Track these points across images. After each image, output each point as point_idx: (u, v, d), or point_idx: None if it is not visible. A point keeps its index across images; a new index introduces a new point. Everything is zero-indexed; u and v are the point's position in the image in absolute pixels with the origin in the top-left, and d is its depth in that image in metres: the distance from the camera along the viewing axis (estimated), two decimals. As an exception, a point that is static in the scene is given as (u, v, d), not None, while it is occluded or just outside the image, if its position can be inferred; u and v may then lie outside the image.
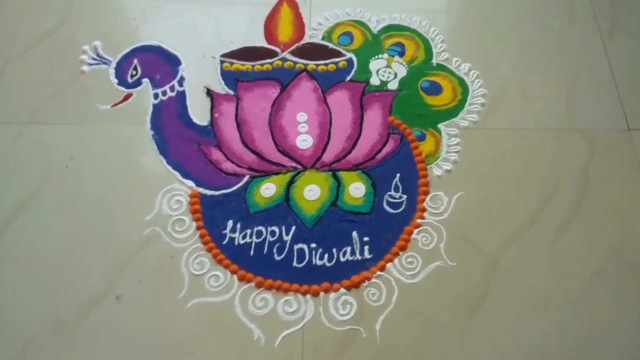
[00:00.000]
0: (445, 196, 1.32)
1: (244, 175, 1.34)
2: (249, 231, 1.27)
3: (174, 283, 1.21)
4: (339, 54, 1.53)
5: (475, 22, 1.61)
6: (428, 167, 1.36)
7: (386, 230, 1.27)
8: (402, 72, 1.50)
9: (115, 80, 1.47)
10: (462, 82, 1.49)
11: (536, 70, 1.51)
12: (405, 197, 1.31)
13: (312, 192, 1.32)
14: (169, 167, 1.35)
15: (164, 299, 1.19)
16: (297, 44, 1.55)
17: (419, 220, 1.28)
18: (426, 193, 1.32)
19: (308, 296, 1.20)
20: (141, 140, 1.39)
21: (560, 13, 1.61)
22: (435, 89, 1.48)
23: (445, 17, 1.63)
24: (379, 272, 1.22)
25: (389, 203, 1.31)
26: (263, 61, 1.51)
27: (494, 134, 1.41)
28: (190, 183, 1.33)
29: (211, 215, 1.28)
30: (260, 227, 1.27)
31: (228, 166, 1.35)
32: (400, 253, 1.25)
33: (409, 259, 1.24)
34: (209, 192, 1.31)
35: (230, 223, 1.27)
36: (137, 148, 1.38)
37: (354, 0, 1.64)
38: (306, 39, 1.56)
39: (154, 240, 1.25)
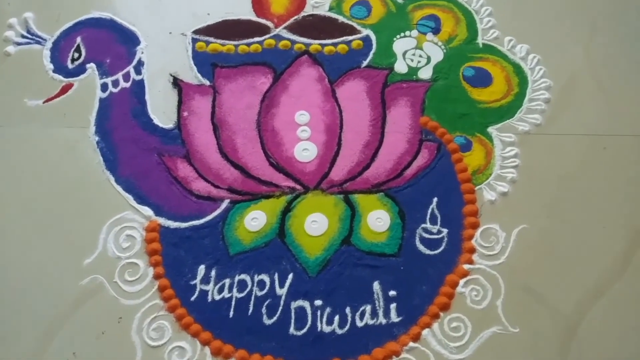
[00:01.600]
0: (501, 230, 0.96)
1: (222, 200, 0.97)
2: (227, 281, 0.90)
3: (121, 358, 0.85)
4: (352, 31, 1.15)
5: (533, -12, 1.22)
6: (476, 188, 0.99)
7: (420, 281, 0.91)
8: (437, 55, 1.12)
9: (51, 66, 1.10)
10: (518, 70, 1.11)
11: (616, 54, 1.13)
12: (445, 231, 0.95)
13: (316, 224, 0.95)
14: (118, 188, 0.98)
15: (107, 381, 0.84)
16: (295, 17, 1.16)
17: (466, 266, 0.92)
18: (475, 226, 0.95)
19: (311, 378, 0.84)
20: (82, 149, 1.03)
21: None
22: (483, 79, 1.10)
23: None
24: (411, 344, 0.87)
25: (423, 240, 0.94)
26: (250, 40, 1.13)
27: (564, 142, 1.04)
28: (148, 211, 0.96)
29: (175, 257, 0.93)
30: (243, 276, 0.91)
31: (200, 186, 0.98)
32: (441, 314, 0.89)
33: (454, 324, 0.88)
34: (173, 224, 0.95)
35: (201, 269, 0.91)
36: (76, 160, 1.02)
37: (371, -41, 1.25)
38: (308, 10, 1.18)
39: (94, 295, 0.91)
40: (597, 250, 0.94)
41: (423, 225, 0.96)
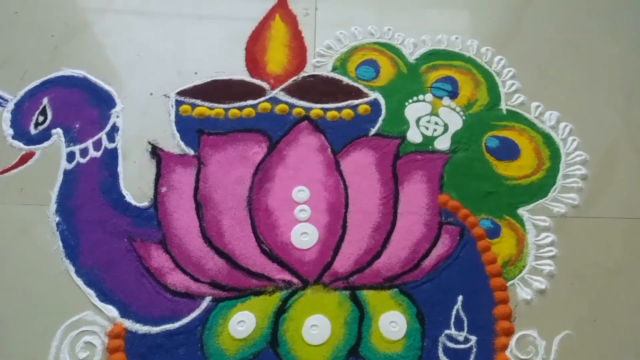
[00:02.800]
0: (540, 338, 0.79)
1: (202, 297, 0.81)
2: (206, 406, 0.72)
3: None
4: (358, 94, 1.01)
5: (560, 51, 1.09)
6: (508, 284, 0.83)
7: (446, 405, 0.74)
8: (456, 122, 0.98)
9: (10, 131, 0.96)
10: (548, 141, 0.97)
11: (658, 122, 1.00)
12: (474, 339, 0.78)
13: (316, 330, 0.78)
14: (79, 281, 0.82)
15: None
16: (294, 78, 1.03)
17: (500, 386, 0.74)
18: (509, 332, 0.79)
19: None
20: (40, 232, 0.87)
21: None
22: (509, 151, 0.96)
23: (515, 42, 1.11)
24: None
25: (447, 351, 0.77)
26: (243, 103, 0.99)
27: (608, 227, 0.89)
28: (112, 311, 0.79)
29: (143, 373, 0.74)
30: (226, 398, 0.73)
31: (177, 279, 0.82)
32: None
33: None
34: (142, 329, 0.78)
35: (174, 389, 0.73)
36: (32, 245, 0.86)
37: (379, 14, 1.13)
38: (309, 70, 1.04)
39: (38, 421, 0.71)
40: (658, 364, 0.78)
41: (447, 332, 0.79)
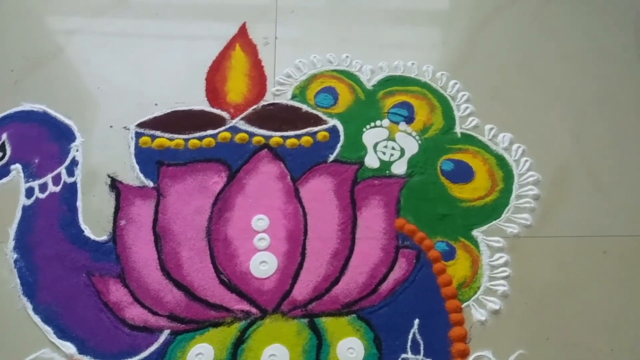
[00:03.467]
0: (494, 358, 0.81)
1: (160, 330, 0.81)
2: None
3: None
4: (317, 121, 1.03)
5: (512, 72, 1.13)
6: (464, 305, 0.84)
7: None
8: (412, 147, 1.01)
9: (-32, 168, 0.95)
10: (501, 162, 1.00)
11: (608, 142, 1.03)
12: (430, 363, 0.79)
13: (275, 359, 0.79)
14: (36, 319, 0.82)
15: None
16: (254, 106, 1.05)
17: (456, 409, 0.76)
18: (464, 355, 0.81)
19: None
20: (-4, 268, 0.86)
21: (630, 61, 1.14)
22: (464, 174, 0.98)
23: (469, 66, 1.14)
24: None
25: (403, 375, 0.78)
26: (203, 133, 1.01)
27: (560, 246, 0.92)
28: (70, 347, 0.80)
29: (100, 410, 0.74)
30: None
31: (135, 313, 0.82)
32: None
33: None
34: (99, 365, 0.78)
35: None
36: (-13, 283, 0.84)
37: (337, 42, 1.16)
38: (268, 99, 1.06)
39: None
40: (610, 381, 0.80)
41: (403, 356, 0.80)
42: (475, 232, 0.92)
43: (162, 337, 0.80)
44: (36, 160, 0.96)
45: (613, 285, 0.88)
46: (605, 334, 0.83)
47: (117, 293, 0.84)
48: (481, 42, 1.17)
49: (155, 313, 0.82)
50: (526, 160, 1.00)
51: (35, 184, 0.93)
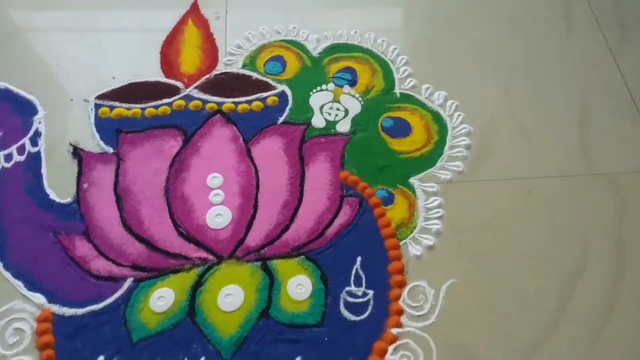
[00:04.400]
0: (429, 287, 0.90)
1: (124, 279, 0.88)
2: (130, 373, 0.80)
3: None
4: (267, 87, 1.11)
5: (446, 37, 1.22)
6: (401, 243, 0.93)
7: (347, 352, 0.83)
8: (355, 107, 1.09)
9: None
10: (437, 118, 1.09)
11: (534, 97, 1.13)
12: (371, 293, 0.88)
13: (230, 298, 0.87)
14: (7, 275, 0.88)
15: None
16: (207, 76, 1.12)
17: (394, 331, 0.85)
18: (402, 285, 0.89)
19: None
20: (-33, 232, 0.91)
21: (557, 23, 1.25)
22: (402, 129, 1.07)
23: (407, 32, 1.23)
24: None
25: (348, 305, 0.87)
26: (158, 102, 1.07)
27: (488, 188, 1.01)
28: (40, 298, 0.86)
29: (71, 350, 0.82)
30: (148, 365, 0.80)
31: (100, 265, 0.89)
32: (370, 389, 0.80)
33: (384, 398, 0.80)
34: (68, 311, 0.85)
35: (100, 361, 0.81)
36: (-41, 246, 0.90)
37: (285, 14, 1.23)
38: (220, 69, 1.13)
39: (-27, 403, 0.77)
40: (530, 301, 0.89)
41: (347, 289, 0.89)
42: (412, 180, 1.01)
43: (126, 285, 0.87)
44: (0, 133, 1.01)
45: (536, 220, 0.98)
46: (529, 263, 0.93)
47: (82, 248, 0.90)
48: (419, 9, 1.26)
49: (118, 264, 0.89)
50: (459, 115, 1.09)
51: (1, 154, 0.99)
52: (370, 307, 0.87)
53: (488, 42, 1.21)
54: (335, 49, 1.18)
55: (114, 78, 1.10)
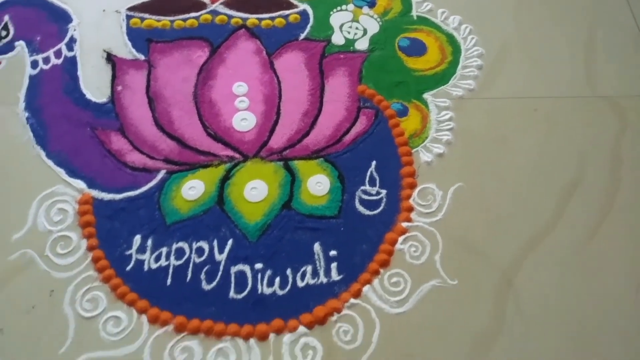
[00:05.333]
0: (438, 189, 0.97)
1: (158, 171, 0.96)
2: (164, 250, 0.88)
3: (53, 331, 0.83)
4: (289, 5, 1.16)
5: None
6: (413, 150, 1.01)
7: (361, 240, 0.91)
8: (373, 27, 1.14)
9: (-23, 44, 1.06)
10: (451, 40, 1.14)
11: (544, 22, 1.19)
12: (384, 192, 0.96)
13: (255, 191, 0.94)
14: (50, 163, 0.95)
15: (38, 356, 0.81)
16: (232, -8, 1.16)
17: (404, 224, 0.93)
18: (412, 186, 0.97)
19: (252, 341, 0.83)
20: (11, 125, 1.00)
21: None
22: (418, 49, 1.12)
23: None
24: (352, 300, 0.86)
25: (362, 202, 0.95)
26: (186, 15, 1.13)
27: (497, 105, 1.08)
28: (80, 184, 0.93)
29: (110, 230, 0.90)
30: (181, 244, 0.89)
31: (135, 158, 0.96)
32: (381, 271, 0.89)
33: (394, 279, 0.89)
34: (106, 196, 0.93)
35: (137, 239, 0.89)
36: (3, 137, 0.99)
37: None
38: (245, -14, 1.18)
39: (24, 269, 0.87)
40: (530, 205, 0.97)
41: (362, 188, 0.96)
42: (426, 95, 1.07)
43: (159, 176, 0.95)
44: (38, 38, 1.07)
45: (540, 136, 1.04)
46: (531, 172, 1.00)
47: (118, 142, 0.98)
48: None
49: (152, 158, 0.97)
50: (472, 37, 1.15)
51: (39, 57, 1.05)
52: (382, 204, 0.95)
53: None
54: (356, -27, 1.22)
55: (144, -9, 1.15)
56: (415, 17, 1.17)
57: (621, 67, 1.13)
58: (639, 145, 1.04)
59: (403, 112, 1.05)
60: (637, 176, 1.00)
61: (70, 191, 0.93)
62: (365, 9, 1.16)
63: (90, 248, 0.88)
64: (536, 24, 1.17)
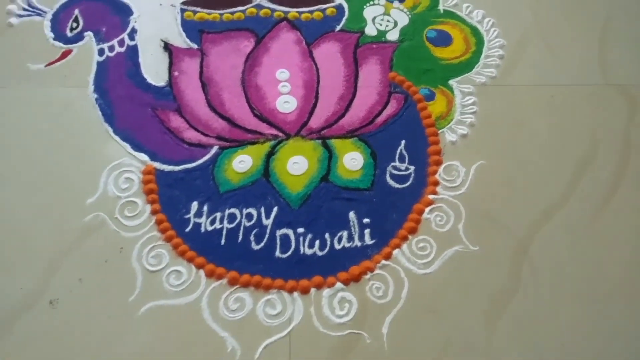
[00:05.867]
0: (461, 166, 1.08)
1: (211, 146, 1.08)
2: (218, 215, 1.01)
3: (123, 282, 0.95)
4: (326, 0, 1.27)
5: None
6: (439, 131, 1.11)
7: (391, 210, 1.02)
8: (403, 20, 1.25)
9: (51, 35, 1.20)
10: (475, 31, 1.24)
11: (561, 15, 1.28)
12: (412, 168, 1.07)
13: (297, 165, 1.06)
14: (117, 138, 1.08)
15: (111, 303, 0.94)
16: (275, -12, 1.28)
17: (430, 196, 1.03)
18: (438, 163, 1.07)
19: (295, 294, 0.95)
20: (82, 105, 1.12)
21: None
22: (444, 40, 1.22)
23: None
24: (383, 261, 0.97)
25: (393, 176, 1.06)
26: (234, 9, 1.24)
27: (517, 92, 1.17)
28: (144, 157, 1.06)
29: (170, 196, 1.02)
30: (233, 210, 1.01)
31: (191, 135, 1.09)
32: (410, 237, 1.00)
33: (421, 244, 0.99)
34: (167, 168, 1.05)
35: (194, 205, 1.01)
36: (76, 115, 1.11)
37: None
38: (286, -17, 1.29)
39: (97, 229, 1.00)
40: (545, 181, 1.07)
41: (393, 164, 1.07)
42: (451, 82, 1.17)
43: (213, 151, 1.07)
44: (103, 29, 1.20)
45: (556, 120, 1.14)
46: (547, 152, 1.10)
47: (176, 121, 1.10)
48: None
49: (206, 135, 1.09)
50: (495, 30, 1.24)
51: (105, 46, 1.18)
52: (411, 179, 1.06)
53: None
54: (387, -29, 1.33)
55: (195, -13, 1.28)
56: (442, 11, 1.27)
57: (632, 58, 1.21)
58: (648, 129, 1.13)
59: (430, 97, 1.15)
60: (646, 157, 1.10)
61: (135, 163, 1.06)
62: (396, 3, 1.27)
63: (153, 212, 1.01)
64: (553, 17, 1.27)
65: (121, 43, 1.19)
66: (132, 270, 0.96)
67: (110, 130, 1.09)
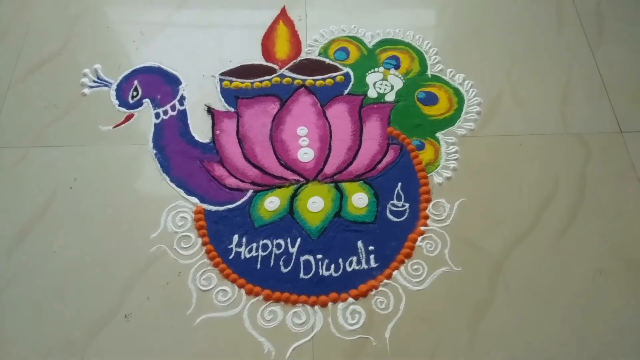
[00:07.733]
0: (447, 203, 1.34)
1: (247, 190, 1.35)
2: (254, 245, 1.27)
3: (181, 299, 1.21)
4: (335, 69, 1.56)
5: (467, 34, 1.65)
6: (428, 175, 1.38)
7: (391, 239, 1.28)
8: (398, 84, 1.54)
9: (116, 102, 1.49)
10: (457, 92, 1.52)
11: (529, 78, 1.55)
12: (407, 205, 1.33)
13: (315, 204, 1.33)
14: (173, 185, 1.36)
15: (173, 315, 1.19)
16: (294, 61, 1.58)
17: (422, 228, 1.30)
18: (428, 200, 1.34)
19: (316, 307, 1.20)
20: (144, 159, 1.41)
21: (549, 23, 1.66)
22: (432, 100, 1.51)
23: (437, 31, 1.67)
24: (385, 280, 1.23)
25: (392, 212, 1.32)
26: (262, 78, 1.54)
27: (491, 141, 1.44)
28: (195, 199, 1.34)
29: (216, 231, 1.29)
30: (265, 241, 1.28)
31: (231, 181, 1.37)
32: (406, 260, 1.26)
33: (415, 266, 1.25)
34: (213, 208, 1.32)
35: (235, 237, 1.28)
36: (140, 167, 1.39)
37: (348, 17, 1.68)
38: (303, 56, 1.59)
39: (160, 258, 1.26)
40: (516, 213, 1.32)
41: (392, 202, 1.34)
42: (438, 134, 1.45)
43: (248, 194, 1.35)
44: (158, 96, 1.50)
45: (524, 163, 1.40)
46: (517, 189, 1.35)
47: (219, 171, 1.38)
48: (447, 12, 1.70)
49: (243, 181, 1.37)
50: (473, 90, 1.52)
51: (160, 110, 1.48)
52: (406, 214, 1.32)
53: (498, 39, 1.63)
54: (385, 43, 1.62)
55: (230, 61, 1.58)
56: (430, 76, 1.56)
57: (589, 111, 1.48)
58: (598, 169, 1.38)
59: (421, 147, 1.43)
60: (597, 192, 1.35)
61: (188, 204, 1.34)
62: (392, 70, 1.56)
63: (204, 244, 1.28)
64: (523, 78, 1.54)
65: (173, 108, 1.48)
66: (188, 290, 1.22)
67: (168, 179, 1.37)
